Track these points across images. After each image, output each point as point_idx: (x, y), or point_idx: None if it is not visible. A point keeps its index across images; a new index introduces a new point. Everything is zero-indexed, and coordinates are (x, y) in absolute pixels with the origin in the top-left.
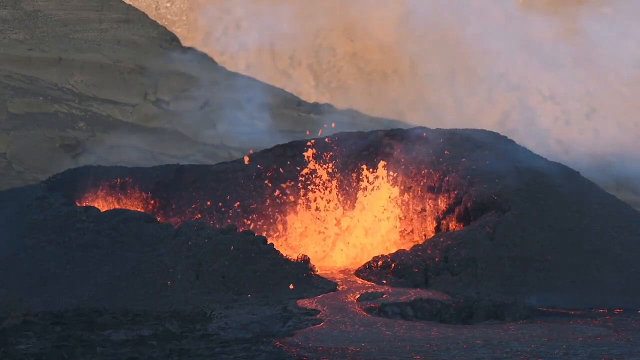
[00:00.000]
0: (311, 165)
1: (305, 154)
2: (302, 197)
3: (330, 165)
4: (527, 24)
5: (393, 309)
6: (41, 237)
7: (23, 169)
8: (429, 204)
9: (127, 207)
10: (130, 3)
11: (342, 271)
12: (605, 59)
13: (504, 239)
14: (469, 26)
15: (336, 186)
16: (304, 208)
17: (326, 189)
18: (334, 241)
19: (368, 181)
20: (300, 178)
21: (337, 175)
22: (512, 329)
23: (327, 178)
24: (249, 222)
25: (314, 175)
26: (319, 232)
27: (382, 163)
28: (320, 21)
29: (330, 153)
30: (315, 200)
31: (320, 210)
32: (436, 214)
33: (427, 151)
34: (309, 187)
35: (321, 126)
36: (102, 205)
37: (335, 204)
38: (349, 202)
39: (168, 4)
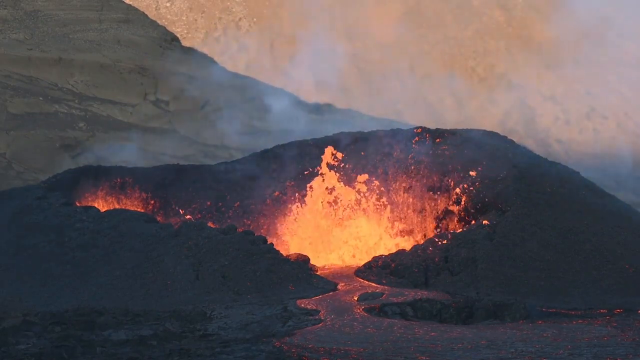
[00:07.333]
0: (315, 165)
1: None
2: (302, 197)
3: (332, 165)
4: (527, 23)
5: (393, 309)
6: (41, 237)
7: (23, 169)
8: (429, 204)
9: (127, 207)
10: (130, 3)
11: (342, 271)
12: (605, 59)
13: (504, 239)
14: (469, 26)
15: (337, 186)
16: (304, 207)
17: (327, 189)
18: (333, 241)
19: (368, 181)
20: (301, 178)
21: (338, 175)
22: (516, 329)
23: (328, 178)
24: (249, 222)
25: (314, 176)
26: (319, 232)
27: (381, 163)
28: (320, 21)
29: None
30: (315, 200)
31: (320, 210)
32: (436, 214)
33: (427, 151)
34: (309, 187)
35: (321, 126)
36: (102, 205)
37: (335, 204)
38: (348, 201)
39: (168, 4)
